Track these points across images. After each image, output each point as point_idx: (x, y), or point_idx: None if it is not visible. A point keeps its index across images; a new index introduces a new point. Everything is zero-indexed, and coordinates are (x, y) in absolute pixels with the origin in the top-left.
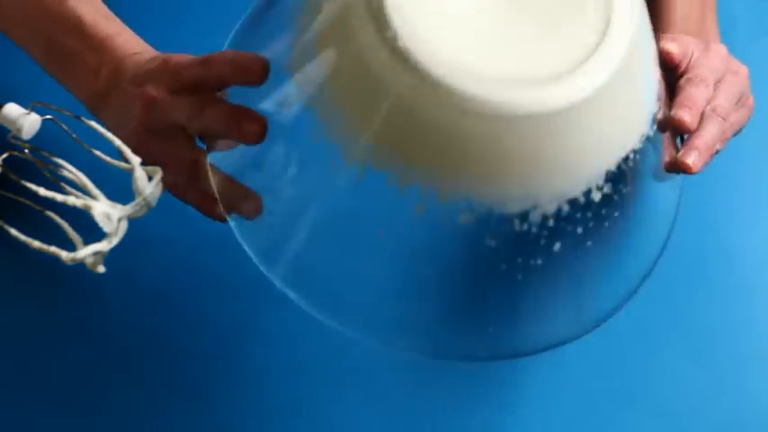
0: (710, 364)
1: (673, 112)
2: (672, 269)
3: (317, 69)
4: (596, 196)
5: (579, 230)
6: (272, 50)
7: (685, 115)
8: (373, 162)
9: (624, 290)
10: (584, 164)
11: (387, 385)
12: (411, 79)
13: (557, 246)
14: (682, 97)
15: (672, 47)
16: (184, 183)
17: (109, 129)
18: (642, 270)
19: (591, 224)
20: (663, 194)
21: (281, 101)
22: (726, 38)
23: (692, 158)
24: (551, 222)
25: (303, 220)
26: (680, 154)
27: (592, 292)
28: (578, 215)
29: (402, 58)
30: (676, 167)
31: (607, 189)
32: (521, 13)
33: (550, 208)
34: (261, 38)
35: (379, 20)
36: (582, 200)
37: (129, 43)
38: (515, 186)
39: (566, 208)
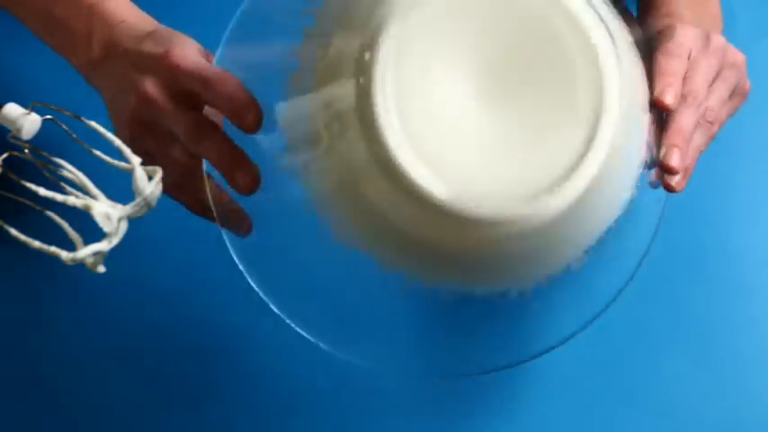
0: (710, 364)
1: (662, 155)
2: (672, 268)
3: (306, 153)
4: (575, 267)
5: (556, 296)
6: (264, 94)
7: (673, 159)
8: (359, 244)
9: (594, 309)
10: (565, 251)
11: (386, 390)
12: (395, 193)
13: (534, 305)
14: (672, 132)
15: (668, 98)
16: (176, 184)
17: (103, 100)
18: (615, 290)
19: (570, 289)
20: (640, 231)
21: (273, 152)
22: (726, 38)
23: (675, 180)
24: (530, 295)
25: (293, 263)
26: (665, 177)
27: (568, 317)
28: (556, 284)
29: (390, 174)
30: (661, 186)
31: (586, 259)
32: (508, 113)
33: (528, 286)
34: (252, 66)
35: (369, 127)
36: (561, 274)
37: (121, 8)
38: (497, 280)
39: (544, 283)
